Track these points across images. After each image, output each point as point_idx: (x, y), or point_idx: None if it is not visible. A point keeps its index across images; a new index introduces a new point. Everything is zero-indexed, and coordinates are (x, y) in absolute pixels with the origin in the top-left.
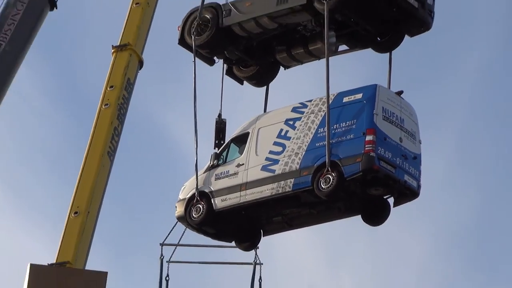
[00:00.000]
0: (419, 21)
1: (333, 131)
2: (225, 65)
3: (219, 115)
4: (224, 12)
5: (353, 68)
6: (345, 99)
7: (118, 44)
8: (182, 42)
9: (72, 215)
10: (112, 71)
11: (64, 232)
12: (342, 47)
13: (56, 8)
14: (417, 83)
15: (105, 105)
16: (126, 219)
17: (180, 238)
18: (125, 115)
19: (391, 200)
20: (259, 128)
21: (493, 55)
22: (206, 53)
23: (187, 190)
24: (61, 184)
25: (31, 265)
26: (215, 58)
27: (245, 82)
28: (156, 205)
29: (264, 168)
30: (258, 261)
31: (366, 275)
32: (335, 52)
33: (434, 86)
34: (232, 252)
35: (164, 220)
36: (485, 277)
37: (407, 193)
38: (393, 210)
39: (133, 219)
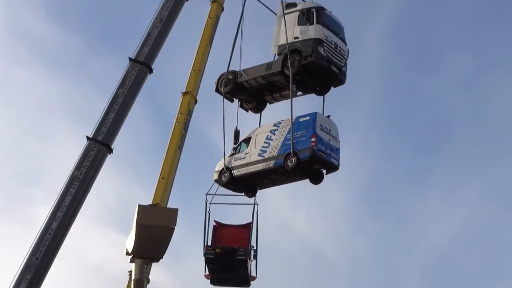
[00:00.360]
0: (338, 79)
1: (294, 136)
2: (239, 102)
3: (236, 127)
4: (238, 74)
5: (305, 103)
6: (301, 119)
7: (184, 91)
8: (217, 90)
9: (160, 179)
10: (181, 105)
11: (156, 188)
12: (299, 93)
13: (152, 73)
14: (337, 110)
15: (177, 123)
16: (188, 181)
17: (216, 190)
18: (188, 127)
19: (324, 171)
20: (256, 134)
21: (376, 96)
22: (229, 96)
23: (219, 166)
24: (155, 164)
25: (139, 205)
26: (234, 98)
27: (249, 111)
28: (203, 173)
29: (259, 155)
30: (256, 203)
31: (312, 211)
32: (296, 96)
33: (344, 111)
34: (242, 198)
35: (207, 181)
36: (379, 210)
37: (333, 168)
38: (326, 177)
39: (192, 180)
